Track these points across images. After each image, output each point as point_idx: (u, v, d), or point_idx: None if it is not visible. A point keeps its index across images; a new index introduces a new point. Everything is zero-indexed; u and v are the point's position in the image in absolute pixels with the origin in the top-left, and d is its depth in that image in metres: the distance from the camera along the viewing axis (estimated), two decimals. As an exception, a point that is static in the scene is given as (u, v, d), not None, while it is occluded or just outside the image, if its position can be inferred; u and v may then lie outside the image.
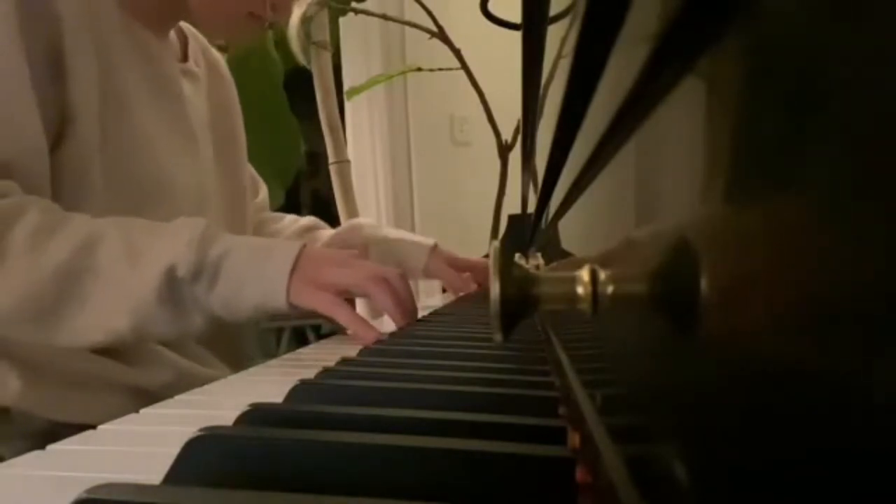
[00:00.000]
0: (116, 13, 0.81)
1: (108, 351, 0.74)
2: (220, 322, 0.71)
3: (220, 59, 1.04)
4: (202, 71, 0.98)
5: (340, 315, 0.70)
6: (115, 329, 0.67)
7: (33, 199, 0.69)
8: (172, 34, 0.94)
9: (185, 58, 0.96)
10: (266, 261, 0.69)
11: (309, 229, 1.13)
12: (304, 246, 0.71)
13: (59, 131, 0.74)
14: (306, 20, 1.57)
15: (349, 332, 0.73)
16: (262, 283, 0.68)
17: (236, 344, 0.94)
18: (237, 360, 0.93)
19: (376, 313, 0.98)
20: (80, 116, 0.74)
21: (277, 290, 0.68)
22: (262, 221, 1.13)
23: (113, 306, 0.66)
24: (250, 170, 1.09)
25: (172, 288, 0.67)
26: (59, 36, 0.73)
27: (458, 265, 1.12)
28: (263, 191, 1.14)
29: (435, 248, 1.09)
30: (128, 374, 0.76)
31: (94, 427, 0.71)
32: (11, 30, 0.69)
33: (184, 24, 0.97)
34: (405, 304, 0.75)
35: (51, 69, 0.73)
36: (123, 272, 0.66)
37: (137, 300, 0.66)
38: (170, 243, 0.67)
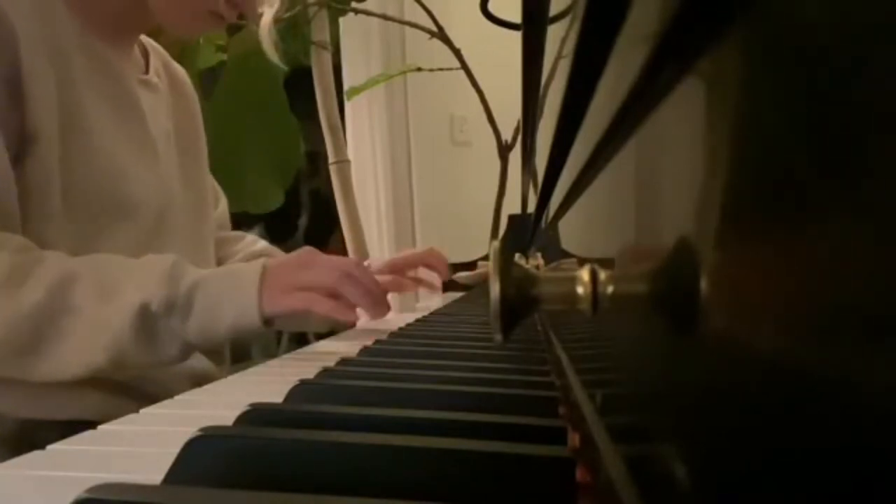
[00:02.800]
0: (74, 29, 0.79)
1: None
2: (196, 349, 0.73)
3: (183, 75, 1.04)
4: (164, 84, 0.97)
5: (318, 306, 0.72)
6: (94, 363, 0.68)
7: (6, 237, 0.69)
8: (135, 48, 0.94)
9: (146, 71, 0.95)
10: (235, 283, 0.72)
11: (261, 255, 1.08)
12: (266, 260, 0.75)
13: (17, 154, 0.73)
14: (279, 21, 1.56)
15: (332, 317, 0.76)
16: (234, 304, 0.71)
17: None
18: (218, 353, 0.94)
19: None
20: (40, 138, 0.73)
21: (249, 305, 0.71)
22: (222, 241, 1.10)
23: (90, 343, 0.68)
24: (211, 181, 1.09)
25: (146, 323, 0.69)
26: (16, 57, 0.71)
27: (391, 268, 1.02)
28: (223, 203, 1.12)
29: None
30: None
31: (67, 423, 0.68)
32: None
33: (145, 39, 0.97)
34: (373, 294, 0.77)
35: (9, 93, 0.72)
36: (98, 310, 0.68)
37: (113, 336, 0.68)
38: (141, 280, 0.69)
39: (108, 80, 0.83)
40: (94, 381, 0.75)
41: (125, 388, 0.78)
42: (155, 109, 0.92)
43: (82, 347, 0.68)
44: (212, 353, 0.92)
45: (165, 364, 0.74)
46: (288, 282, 0.73)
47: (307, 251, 0.79)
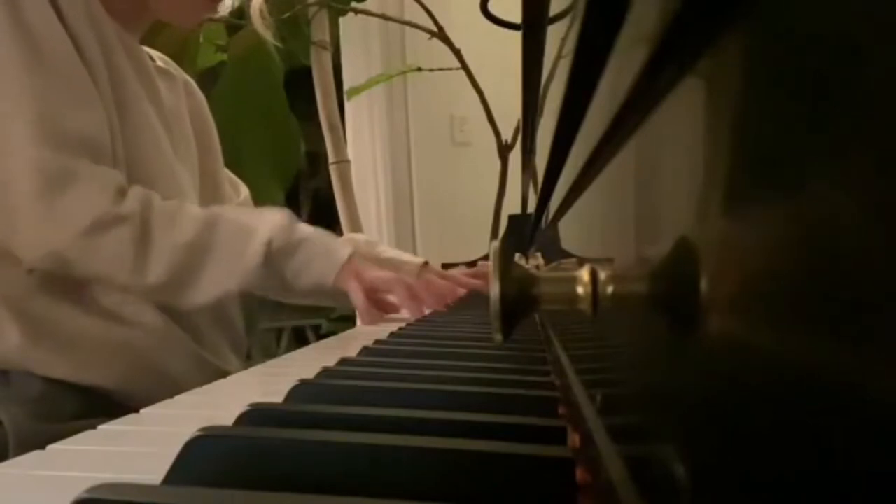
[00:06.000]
0: (112, 24, 0.85)
1: (104, 312, 0.82)
2: (287, 289, 0.89)
3: (189, 79, 1.10)
4: (178, 77, 1.03)
5: (357, 302, 0.89)
6: (227, 289, 0.84)
7: (142, 188, 0.81)
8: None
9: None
10: (328, 253, 0.89)
11: None
12: (354, 251, 0.92)
13: None
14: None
15: (358, 315, 0.94)
16: (320, 267, 0.88)
17: (239, 333, 1.02)
18: (238, 347, 1.01)
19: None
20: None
21: (329, 274, 0.88)
22: None
23: (228, 273, 0.83)
24: (228, 173, 1.15)
25: (268, 258, 0.84)
26: (68, 30, 0.78)
27: (446, 280, 1.14)
28: (244, 191, 1.18)
29: (425, 265, 1.13)
30: (122, 333, 0.83)
31: (87, 390, 0.75)
32: (56, 22, 0.77)
33: (148, 49, 1.02)
34: (419, 304, 0.93)
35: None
36: (236, 245, 0.83)
37: (245, 267, 0.83)
38: (269, 223, 0.85)
39: (135, 63, 0.89)
40: (118, 353, 0.82)
41: (145, 364, 0.84)
42: (170, 96, 0.98)
43: (221, 277, 0.83)
44: (237, 349, 1.00)
45: (267, 293, 0.95)
46: (359, 271, 0.89)
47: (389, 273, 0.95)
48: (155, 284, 0.80)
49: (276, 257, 0.85)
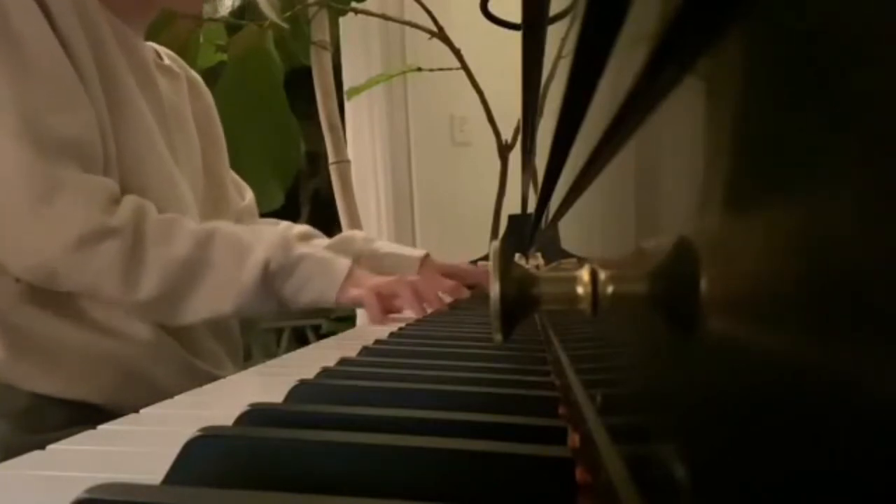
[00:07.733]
0: (99, 8, 0.83)
1: (93, 324, 0.80)
2: (285, 309, 0.88)
3: (198, 77, 1.10)
4: (182, 75, 1.02)
5: (367, 306, 0.89)
6: (221, 310, 0.82)
7: (137, 197, 0.79)
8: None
9: (159, 58, 1.00)
10: (327, 268, 0.87)
11: (304, 237, 1.14)
12: (353, 262, 0.91)
13: None
14: None
15: (367, 318, 0.92)
16: (321, 283, 0.87)
17: (235, 339, 1.00)
18: (234, 352, 0.99)
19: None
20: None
21: (331, 289, 0.87)
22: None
23: (222, 293, 0.81)
24: (233, 176, 1.14)
25: (265, 280, 0.83)
26: (56, 31, 0.76)
27: (449, 273, 1.14)
28: (249, 194, 1.18)
29: (425, 259, 1.13)
30: (112, 346, 0.81)
31: (73, 404, 0.73)
32: (43, 22, 0.75)
33: (156, 45, 1.01)
34: (423, 304, 0.93)
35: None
36: (231, 265, 0.82)
37: (241, 289, 0.82)
38: (266, 242, 0.84)
39: (132, 59, 0.87)
40: (107, 366, 0.80)
41: (135, 377, 0.82)
42: (172, 94, 0.96)
43: (215, 297, 0.81)
44: (234, 354, 0.98)
45: (263, 315, 0.97)
46: (363, 281, 0.89)
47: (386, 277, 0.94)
48: (146, 299, 0.78)
49: (273, 277, 0.83)
